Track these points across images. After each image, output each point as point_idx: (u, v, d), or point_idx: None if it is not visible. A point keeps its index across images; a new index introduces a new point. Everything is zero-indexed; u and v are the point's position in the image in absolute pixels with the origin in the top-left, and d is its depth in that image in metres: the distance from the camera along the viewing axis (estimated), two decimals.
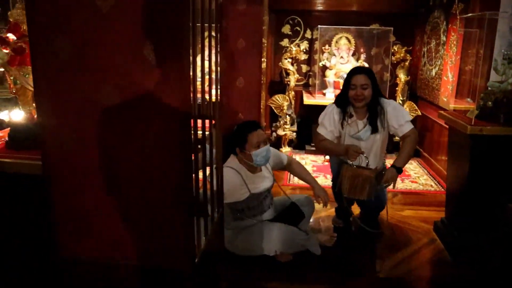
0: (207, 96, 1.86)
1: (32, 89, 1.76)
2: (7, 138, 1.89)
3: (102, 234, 1.67)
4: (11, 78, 1.80)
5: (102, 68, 1.49)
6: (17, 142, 1.86)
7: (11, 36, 1.74)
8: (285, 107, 4.97)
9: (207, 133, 1.86)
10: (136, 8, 1.42)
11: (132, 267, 1.66)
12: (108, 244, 1.67)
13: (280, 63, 5.06)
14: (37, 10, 1.48)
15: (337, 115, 2.80)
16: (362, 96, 2.66)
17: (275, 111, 5.03)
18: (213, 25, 1.88)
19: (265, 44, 4.60)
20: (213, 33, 1.86)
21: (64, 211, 1.67)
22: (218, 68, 1.95)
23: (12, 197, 1.83)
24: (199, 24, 1.65)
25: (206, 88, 1.86)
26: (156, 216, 1.60)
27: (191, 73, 1.52)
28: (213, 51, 1.88)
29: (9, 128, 1.91)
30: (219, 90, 1.95)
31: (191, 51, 1.51)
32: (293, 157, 4.00)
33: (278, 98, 4.99)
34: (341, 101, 2.81)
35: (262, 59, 4.24)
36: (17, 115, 1.89)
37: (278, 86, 5.27)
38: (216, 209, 2.04)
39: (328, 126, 2.82)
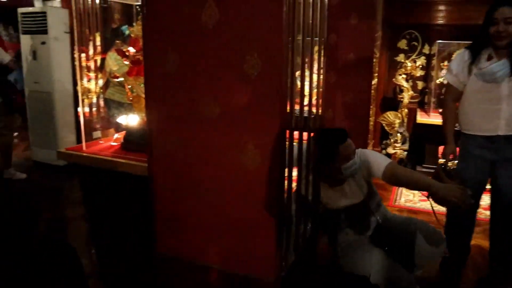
0: (308, 109, 1.86)
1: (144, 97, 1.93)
2: (123, 141, 2.10)
3: (196, 235, 1.76)
4: (129, 87, 2.01)
5: (205, 80, 1.58)
6: (131, 144, 2.05)
7: (131, 50, 1.94)
8: (397, 125, 4.76)
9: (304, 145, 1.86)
10: (238, 25, 1.48)
11: (219, 272, 1.72)
12: (200, 246, 1.76)
13: (394, 79, 4.87)
14: (151, 26, 1.64)
15: (467, 56, 2.28)
16: (506, 32, 2.11)
17: (385, 128, 4.85)
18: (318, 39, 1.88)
19: (378, 59, 4.48)
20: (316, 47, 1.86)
21: (164, 211, 1.80)
22: (321, 81, 1.95)
23: (122, 194, 2.02)
24: (296, 37, 1.67)
25: (307, 101, 1.86)
26: (247, 224, 1.64)
27: (289, 87, 1.55)
28: (316, 65, 1.89)
29: (125, 132, 2.12)
30: (317, 102, 1.94)
31: (289, 65, 1.53)
32: None
33: (390, 115, 4.80)
34: (477, 43, 2.27)
35: (374, 74, 4.14)
36: (132, 120, 2.09)
37: (391, 102, 5.07)
38: (308, 223, 2.03)
39: (454, 69, 2.33)
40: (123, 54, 1.95)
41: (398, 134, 4.81)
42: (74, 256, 1.63)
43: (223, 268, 1.74)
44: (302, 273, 2.00)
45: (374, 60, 4.13)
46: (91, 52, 2.37)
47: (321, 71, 1.94)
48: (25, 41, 5.26)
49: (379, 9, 3.95)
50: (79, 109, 4.96)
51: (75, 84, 5.20)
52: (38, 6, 5.41)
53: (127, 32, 4.29)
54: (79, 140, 5.29)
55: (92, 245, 2.21)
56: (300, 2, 1.63)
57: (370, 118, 4.49)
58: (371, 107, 4.46)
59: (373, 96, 4.56)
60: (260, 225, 1.62)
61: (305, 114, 1.76)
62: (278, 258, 1.64)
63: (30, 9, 5.18)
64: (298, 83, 1.78)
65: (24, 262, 1.48)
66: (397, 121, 4.75)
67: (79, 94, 2.14)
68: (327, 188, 2.13)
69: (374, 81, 4.33)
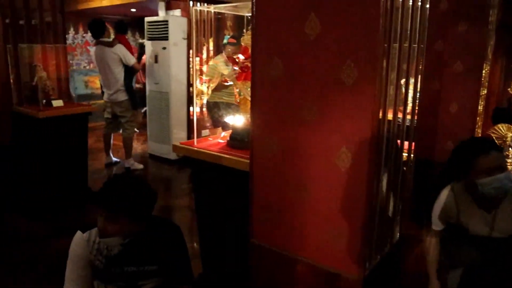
0: (402, 116, 1.92)
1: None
2: (229, 138, 2.34)
3: (288, 229, 1.91)
4: (237, 90, 2.24)
5: (305, 86, 1.73)
6: (236, 142, 2.28)
7: (241, 57, 2.17)
8: (509, 139, 4.46)
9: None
10: (337, 36, 1.61)
11: (307, 264, 1.86)
12: (291, 238, 1.91)
13: (509, 88, 4.57)
14: (259, 36, 1.83)
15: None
16: None
17: (496, 141, 4.57)
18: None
19: (490, 68, 4.24)
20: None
21: (261, 204, 1.98)
22: (418, 89, 1.99)
23: (225, 186, 2.26)
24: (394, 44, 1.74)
25: (402, 109, 1.92)
26: (336, 222, 1.75)
27: (383, 94, 1.64)
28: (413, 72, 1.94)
29: (231, 130, 2.36)
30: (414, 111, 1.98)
31: (384, 73, 1.62)
32: None
33: (502, 127, 4.51)
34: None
35: (485, 84, 3.95)
36: (239, 120, 2.32)
37: (504, 114, 4.76)
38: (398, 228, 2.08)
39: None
40: (233, 61, 2.18)
41: (510, 149, 4.51)
42: (179, 233, 1.90)
43: (311, 261, 1.87)
44: (384, 276, 2.06)
45: (486, 68, 3.94)
46: (204, 56, 2.65)
47: (419, 78, 1.98)
48: (149, 46, 5.86)
49: (492, 14, 3.76)
50: (192, 109, 5.43)
51: (189, 86, 5.71)
52: (161, 15, 6.00)
53: (225, 41, 4.61)
54: (189, 137, 5.77)
55: (196, 230, 2.47)
56: (399, 8, 1.71)
57: (477, 130, 4.28)
58: (478, 118, 4.25)
59: (482, 106, 4.34)
60: (348, 223, 1.72)
61: (407, 123, 1.83)
62: (363, 257, 1.73)
63: (154, 18, 5.77)
64: (393, 90, 1.85)
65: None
66: (510, 134, 4.46)
67: (194, 95, 2.42)
68: (473, 207, 1.88)
69: (484, 91, 4.12)
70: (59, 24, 4.38)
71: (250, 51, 2.14)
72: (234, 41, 4.43)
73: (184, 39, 5.68)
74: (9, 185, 4.30)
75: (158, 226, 1.88)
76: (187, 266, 1.96)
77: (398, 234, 2.15)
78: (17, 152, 4.19)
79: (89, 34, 9.31)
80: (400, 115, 1.95)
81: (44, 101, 4.00)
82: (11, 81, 4.12)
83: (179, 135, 5.57)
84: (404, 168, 2.05)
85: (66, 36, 7.06)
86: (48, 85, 4.10)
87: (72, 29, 8.92)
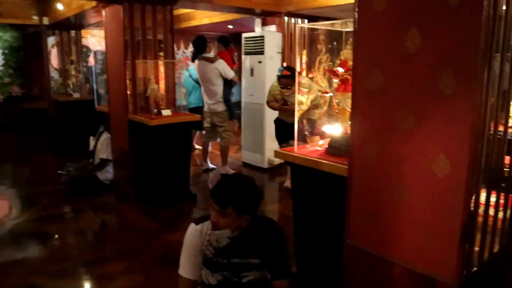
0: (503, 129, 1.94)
1: (349, 110, 2.28)
2: (327, 146, 2.50)
3: (386, 232, 2.01)
4: (336, 101, 2.39)
5: (403, 97, 1.84)
6: (334, 149, 2.43)
7: (340, 70, 2.32)
8: None
9: None
10: (437, 49, 1.70)
11: (404, 268, 1.94)
12: (389, 241, 2.00)
13: None
14: (361, 50, 1.97)
15: None
16: None
17: None
18: None
19: None
20: None
21: (358, 207, 2.10)
22: None
23: (322, 190, 2.41)
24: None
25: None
26: (433, 227, 1.82)
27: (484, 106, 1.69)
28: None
29: (329, 138, 2.51)
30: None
31: (485, 84, 1.68)
32: None
33: None
34: None
35: None
36: (336, 129, 2.46)
37: None
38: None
39: None
40: (333, 73, 2.34)
41: None
42: (280, 231, 2.10)
43: (407, 265, 1.94)
44: (482, 285, 2.06)
45: None
46: (298, 69, 2.85)
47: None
48: (245, 60, 6.20)
49: None
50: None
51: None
52: (257, 31, 6.32)
53: (278, 73, 4.75)
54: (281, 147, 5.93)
55: (289, 234, 2.64)
56: (502, 16, 1.75)
57: None
58: None
59: None
60: (445, 229, 1.78)
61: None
62: (460, 263, 1.78)
63: (252, 34, 6.10)
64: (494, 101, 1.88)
65: None
66: None
67: (295, 106, 2.61)
68: None
69: None
70: (169, 41, 4.86)
71: (349, 64, 2.29)
72: (288, 73, 4.59)
73: (279, 53, 5.95)
74: (128, 185, 4.85)
75: (262, 224, 2.09)
76: (286, 262, 2.15)
77: (499, 245, 2.14)
78: (133, 156, 4.70)
79: (189, 49, 10.04)
80: (501, 128, 1.97)
81: (155, 110, 4.47)
82: (128, 92, 4.65)
83: (272, 146, 5.80)
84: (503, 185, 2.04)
85: None
86: (159, 96, 4.57)
87: (174, 45, 9.65)
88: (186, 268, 2.09)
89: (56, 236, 3.98)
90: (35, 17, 7.85)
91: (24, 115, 9.47)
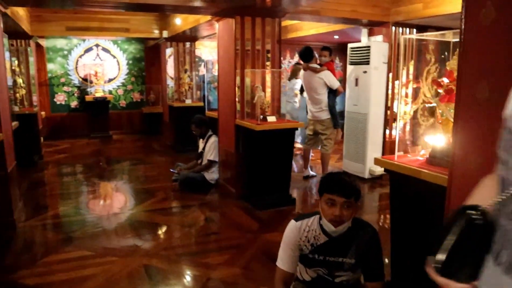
0: None
1: (452, 120, 2.28)
2: (428, 155, 2.50)
3: None
4: (439, 111, 2.39)
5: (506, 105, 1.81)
6: (436, 159, 2.43)
7: (445, 80, 2.32)
8: None
9: None
10: None
11: None
12: None
13: None
14: (467, 61, 1.98)
15: None
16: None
17: None
18: None
19: None
20: None
21: None
22: None
23: (420, 198, 2.42)
24: None
25: None
26: None
27: None
28: None
29: (431, 148, 2.51)
30: None
31: None
32: None
33: None
34: None
35: None
36: (439, 139, 2.46)
37: None
38: None
39: None
40: (438, 84, 2.35)
41: None
42: (377, 235, 2.16)
43: None
44: None
45: None
46: (404, 80, 2.87)
47: None
48: (350, 70, 6.24)
49: None
50: (388, 131, 5.55)
51: (386, 108, 5.88)
52: (364, 41, 6.32)
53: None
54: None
55: (384, 243, 2.67)
56: None
57: None
58: None
59: None
60: None
61: None
62: None
63: (358, 44, 6.12)
64: None
65: None
66: None
67: (398, 115, 2.65)
68: None
69: None
70: (276, 51, 5.11)
71: (454, 74, 2.29)
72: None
73: (385, 63, 5.90)
74: (232, 185, 5.18)
75: (360, 225, 2.18)
76: (381, 265, 2.20)
77: None
78: (238, 158, 5.02)
79: (294, 59, 10.29)
80: None
81: (261, 116, 4.73)
82: (236, 99, 4.98)
83: (373, 155, 5.76)
84: None
85: None
86: (265, 103, 4.84)
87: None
88: (284, 261, 2.25)
89: (166, 227, 4.40)
90: (156, 31, 8.69)
91: (143, 118, 10.49)
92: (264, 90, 4.94)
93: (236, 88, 4.95)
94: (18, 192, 4.71)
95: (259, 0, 4.40)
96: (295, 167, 6.67)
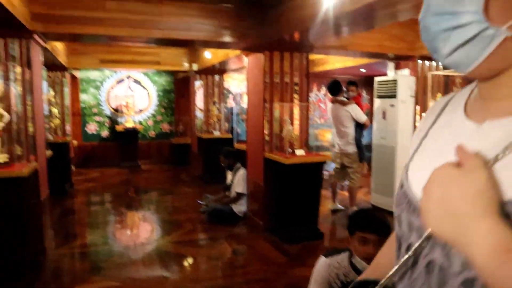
0: None
1: None
2: None
3: None
4: None
5: None
6: None
7: None
8: None
9: None
10: None
11: None
12: None
13: None
14: None
15: None
16: None
17: None
18: None
19: None
20: None
21: None
22: None
23: None
24: None
25: None
26: None
27: None
28: None
29: None
30: None
31: None
32: None
33: None
34: None
35: None
36: None
37: None
38: None
39: None
40: None
41: None
42: None
43: None
44: None
45: None
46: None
47: None
48: (377, 103, 6.23)
49: None
50: None
51: None
52: (390, 74, 6.34)
53: None
54: None
55: None
56: None
57: None
58: None
59: None
60: None
61: None
62: None
63: (384, 78, 6.14)
64: None
65: None
66: None
67: None
68: None
69: None
70: (304, 85, 5.17)
71: None
72: None
73: (412, 96, 5.88)
74: (260, 218, 5.17)
75: None
76: None
77: None
78: (267, 191, 5.02)
79: (321, 92, 10.38)
80: None
81: (290, 150, 4.76)
82: (265, 132, 5.03)
83: None
84: None
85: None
86: (293, 136, 4.86)
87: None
88: None
89: (193, 258, 4.40)
90: (186, 64, 8.93)
91: (172, 149, 10.66)
92: (292, 123, 4.98)
93: (265, 121, 5.01)
94: (49, 220, 4.81)
95: (287, 36, 4.50)
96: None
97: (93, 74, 10.20)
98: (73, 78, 9.43)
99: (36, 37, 4.16)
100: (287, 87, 5.09)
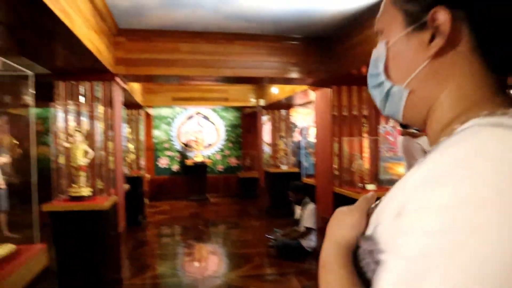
0: None
1: None
2: None
3: None
4: None
5: None
6: None
7: None
8: None
9: None
10: None
11: None
12: None
13: None
14: None
15: None
16: None
17: None
18: None
19: None
20: None
21: None
22: None
23: None
24: None
25: None
26: None
27: None
28: None
29: None
30: None
31: None
32: None
33: None
34: None
35: None
36: None
37: None
38: None
39: None
40: None
41: None
42: None
43: None
44: None
45: None
46: None
47: None
48: None
49: None
50: None
51: None
52: None
53: None
54: None
55: None
56: None
57: None
58: None
59: None
60: None
61: None
62: None
63: None
64: None
65: None
66: None
67: None
68: None
69: None
70: (372, 118, 5.10)
71: None
72: None
73: None
74: None
75: None
76: None
77: None
78: None
79: (389, 124, 10.12)
80: None
81: (360, 184, 4.66)
82: (334, 166, 4.98)
83: None
84: None
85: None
86: (363, 171, 4.77)
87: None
88: None
89: None
90: (253, 100, 9.16)
91: (239, 183, 10.82)
92: (362, 157, 4.90)
93: (334, 156, 4.97)
94: (125, 251, 5.02)
95: (355, 70, 4.50)
96: None
97: (165, 111, 10.73)
98: (147, 115, 9.97)
99: (117, 79, 4.48)
100: (356, 121, 5.05)
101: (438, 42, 0.60)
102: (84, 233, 3.91)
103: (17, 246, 1.94)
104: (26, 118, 4.72)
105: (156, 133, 10.75)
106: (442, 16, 0.59)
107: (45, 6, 2.12)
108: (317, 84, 5.26)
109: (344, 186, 4.90)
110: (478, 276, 0.44)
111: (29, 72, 2.20)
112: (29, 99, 2.41)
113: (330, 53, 4.85)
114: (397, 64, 0.67)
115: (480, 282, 0.44)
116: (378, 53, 0.70)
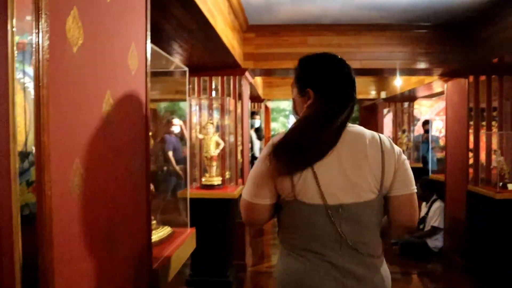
0: None
1: None
2: None
3: None
4: None
5: None
6: None
7: None
8: None
9: None
10: None
11: None
12: None
13: None
14: None
15: None
16: None
17: None
18: None
19: None
20: None
21: None
22: None
23: None
24: None
25: None
26: None
27: None
28: None
29: None
30: None
31: None
32: None
33: None
34: None
35: None
36: None
37: None
38: None
39: None
40: None
41: None
42: None
43: None
44: None
45: None
46: None
47: None
48: None
49: None
50: None
51: None
52: None
53: None
54: None
55: None
56: None
57: None
58: None
59: None
60: None
61: None
62: None
63: None
64: None
65: None
66: None
67: None
68: None
69: None
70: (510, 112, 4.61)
71: None
72: None
73: None
74: (459, 256, 4.73)
75: None
76: None
77: None
78: (469, 227, 4.57)
79: None
80: None
81: (500, 183, 4.26)
82: (469, 163, 4.61)
83: None
84: None
85: None
86: (505, 169, 4.35)
87: None
88: None
89: None
90: (373, 92, 8.86)
91: None
92: (503, 154, 4.47)
93: (469, 152, 4.60)
94: (248, 239, 5.23)
95: (496, 59, 4.11)
96: None
97: (283, 104, 10.92)
98: (266, 108, 10.23)
99: (247, 73, 4.66)
100: (496, 114, 4.61)
101: (309, 99, 1.51)
102: (215, 219, 4.15)
103: (173, 229, 2.13)
104: (156, 112, 5.17)
105: (273, 125, 10.99)
106: (310, 92, 1.50)
107: (197, 8, 2.29)
108: (449, 75, 4.91)
109: (480, 185, 4.51)
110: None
111: (185, 68, 2.40)
112: (185, 92, 2.65)
113: (467, 41, 4.49)
114: (297, 106, 1.59)
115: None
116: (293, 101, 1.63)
